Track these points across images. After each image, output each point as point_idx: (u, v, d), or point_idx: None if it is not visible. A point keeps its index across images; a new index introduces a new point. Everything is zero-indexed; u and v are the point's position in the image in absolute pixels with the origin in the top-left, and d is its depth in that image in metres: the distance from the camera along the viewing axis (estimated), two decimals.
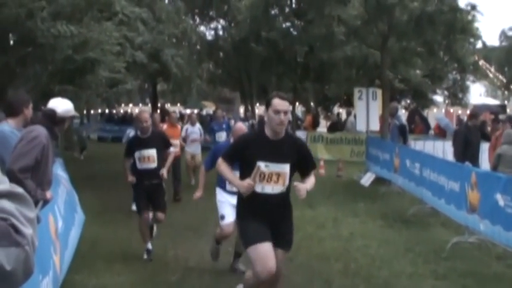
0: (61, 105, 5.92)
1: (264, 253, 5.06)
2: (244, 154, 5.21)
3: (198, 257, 8.17)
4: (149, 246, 8.25)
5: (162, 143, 8.51)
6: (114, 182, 15.59)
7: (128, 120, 37.12)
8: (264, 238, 5.11)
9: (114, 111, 42.41)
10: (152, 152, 8.29)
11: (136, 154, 8.26)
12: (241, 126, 7.42)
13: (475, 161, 11.27)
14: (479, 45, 27.27)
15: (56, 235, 5.57)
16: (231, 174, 5.38)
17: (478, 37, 22.32)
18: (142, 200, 8.34)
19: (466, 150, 11.32)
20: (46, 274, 4.38)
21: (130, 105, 47.07)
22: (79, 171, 15.72)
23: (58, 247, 5.49)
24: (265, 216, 5.17)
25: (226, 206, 7.31)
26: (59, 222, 6.15)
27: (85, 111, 33.25)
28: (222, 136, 14.74)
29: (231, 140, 7.18)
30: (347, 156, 22.40)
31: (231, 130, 15.01)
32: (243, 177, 5.21)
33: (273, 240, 5.17)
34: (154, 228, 8.65)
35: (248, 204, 5.21)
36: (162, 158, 8.46)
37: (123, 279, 7.25)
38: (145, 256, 8.16)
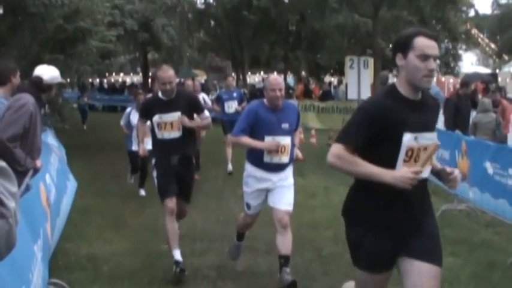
0: (47, 72, 5.85)
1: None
2: (381, 126, 3.37)
3: (190, 225, 8.17)
4: (177, 255, 6.20)
5: (190, 106, 6.46)
6: (106, 151, 15.61)
7: (118, 89, 36.90)
8: (383, 267, 3.61)
9: (105, 80, 42.09)
10: (176, 116, 6.27)
11: (156, 118, 6.28)
12: (277, 78, 5.96)
13: (465, 129, 11.31)
14: (471, 13, 27.22)
15: (48, 203, 5.58)
16: (370, 167, 3.37)
17: (470, 5, 22.28)
18: (169, 182, 6.31)
19: (457, 119, 11.36)
20: (37, 242, 4.40)
21: (121, 74, 46.77)
22: (70, 141, 15.63)
23: (49, 215, 5.51)
24: (402, 217, 3.50)
25: (254, 193, 6.00)
26: (51, 190, 6.16)
27: (75, 80, 32.95)
28: (232, 106, 13.23)
29: (265, 101, 5.87)
30: (338, 125, 22.12)
31: (243, 99, 13.68)
32: (377, 162, 3.39)
33: (414, 250, 3.50)
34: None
35: (376, 199, 3.47)
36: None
37: (115, 247, 7.29)
38: (174, 268, 6.10)
